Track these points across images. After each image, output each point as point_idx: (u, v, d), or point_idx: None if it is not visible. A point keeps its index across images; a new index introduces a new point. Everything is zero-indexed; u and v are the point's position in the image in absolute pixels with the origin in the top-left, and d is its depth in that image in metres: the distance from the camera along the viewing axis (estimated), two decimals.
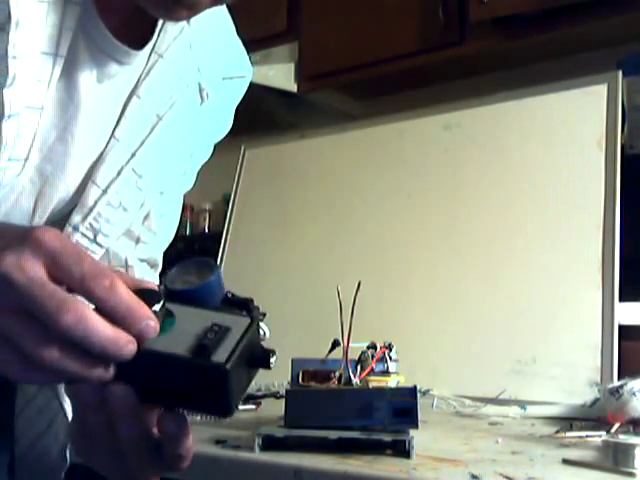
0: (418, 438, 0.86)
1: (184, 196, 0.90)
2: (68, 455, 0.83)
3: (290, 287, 1.78)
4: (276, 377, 1.43)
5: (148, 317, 0.44)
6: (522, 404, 1.25)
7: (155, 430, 0.49)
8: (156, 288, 0.47)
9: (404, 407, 0.87)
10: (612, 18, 1.56)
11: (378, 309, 1.57)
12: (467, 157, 1.64)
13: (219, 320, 0.47)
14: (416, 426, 0.87)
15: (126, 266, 0.81)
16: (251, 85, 0.90)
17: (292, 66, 2.00)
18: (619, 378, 1.21)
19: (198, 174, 0.89)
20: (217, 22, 0.80)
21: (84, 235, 0.73)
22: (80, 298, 0.43)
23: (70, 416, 0.80)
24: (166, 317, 0.47)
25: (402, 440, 0.85)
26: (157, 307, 0.46)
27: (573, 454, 0.87)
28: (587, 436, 0.97)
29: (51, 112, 0.66)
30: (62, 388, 0.81)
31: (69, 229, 0.72)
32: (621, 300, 1.33)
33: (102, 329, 0.42)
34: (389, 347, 1.04)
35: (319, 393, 0.94)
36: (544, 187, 1.51)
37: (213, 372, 0.45)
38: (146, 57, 0.72)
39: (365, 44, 1.84)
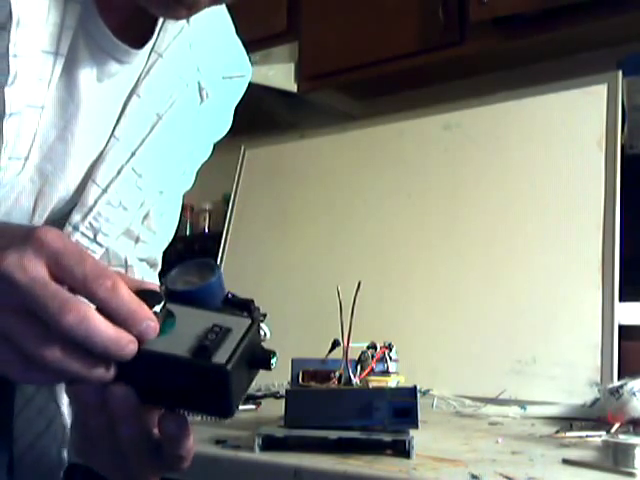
0: (418, 438, 0.86)
1: (184, 196, 0.90)
2: (66, 456, 0.83)
3: (290, 287, 1.78)
4: (276, 377, 1.43)
5: (149, 318, 0.44)
6: (522, 404, 1.25)
7: (156, 431, 0.49)
8: (157, 289, 0.47)
9: (404, 407, 0.87)
10: (612, 18, 1.56)
11: (378, 309, 1.57)
12: (467, 157, 1.64)
13: (220, 321, 0.47)
14: (416, 426, 0.87)
15: (126, 265, 0.81)
16: (251, 85, 0.90)
17: (292, 66, 2.00)
18: (619, 378, 1.21)
19: (198, 174, 0.89)
20: (217, 22, 0.80)
21: (84, 234, 0.73)
22: (81, 298, 0.43)
23: (67, 418, 0.80)
24: (167, 318, 0.47)
25: (402, 440, 0.85)
26: (158, 308, 0.46)
27: (573, 454, 0.87)
28: (587, 436, 0.97)
29: (51, 111, 0.66)
30: (60, 390, 0.82)
31: (69, 228, 0.72)
32: (621, 300, 1.33)
33: (104, 329, 0.42)
34: (389, 347, 1.04)
35: (319, 393, 0.94)
36: (544, 187, 1.51)
37: (214, 373, 0.45)
38: (146, 56, 0.72)
39: (365, 44, 1.84)
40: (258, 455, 0.88)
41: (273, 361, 0.48)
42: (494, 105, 1.65)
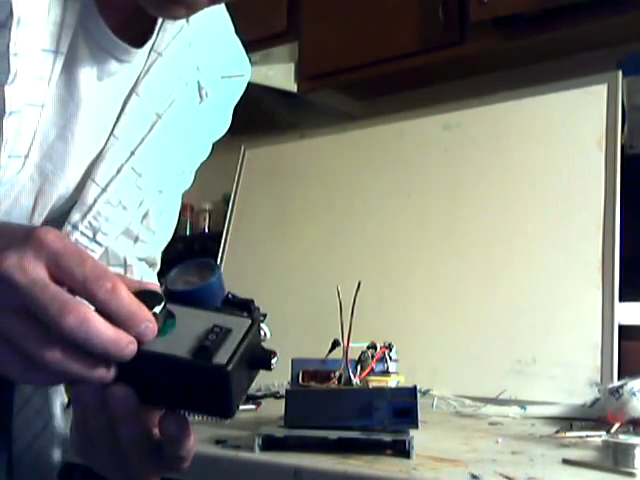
0: (418, 438, 0.86)
1: (184, 196, 0.90)
2: (60, 457, 0.83)
3: (290, 287, 1.78)
4: (276, 377, 1.43)
5: (148, 320, 0.44)
6: (522, 404, 1.25)
7: (156, 431, 0.49)
8: (158, 289, 0.47)
9: (404, 407, 0.87)
10: (612, 18, 1.56)
11: (378, 309, 1.57)
12: (467, 157, 1.64)
13: (220, 321, 0.47)
14: (416, 426, 0.87)
15: (125, 265, 0.81)
16: (251, 85, 0.90)
17: (292, 66, 2.00)
18: (619, 378, 1.21)
19: (197, 173, 0.89)
20: (216, 21, 0.80)
21: (83, 234, 0.73)
22: (80, 299, 0.43)
23: (60, 420, 0.81)
24: (167, 318, 0.47)
25: (402, 440, 0.85)
26: (158, 309, 0.46)
27: (573, 454, 0.87)
28: (587, 436, 0.97)
29: (51, 110, 0.66)
30: (53, 392, 0.82)
31: (68, 227, 0.72)
32: (621, 300, 1.33)
33: (104, 330, 0.42)
34: (389, 347, 1.04)
35: (319, 393, 0.94)
36: (544, 187, 1.51)
37: (214, 373, 0.45)
38: (146, 55, 0.72)
39: (365, 44, 1.84)
40: (258, 455, 0.88)
41: (273, 361, 0.48)
42: (494, 105, 1.65)
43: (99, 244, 0.75)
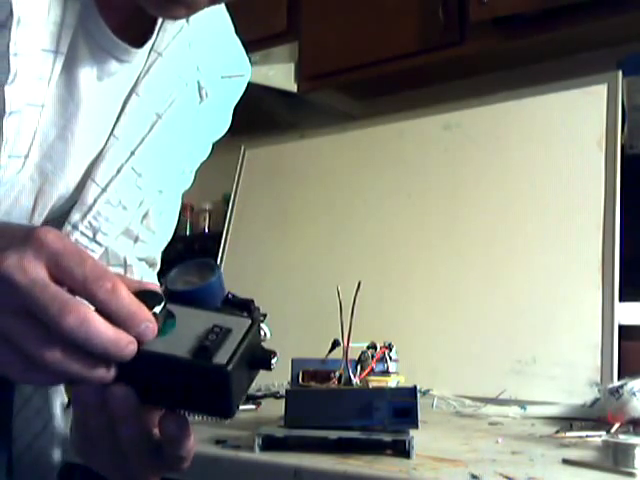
0: (418, 438, 0.86)
1: (184, 196, 0.90)
2: (60, 457, 0.83)
3: (290, 287, 1.78)
4: (276, 377, 1.43)
5: (147, 320, 0.44)
6: (522, 404, 1.25)
7: (156, 431, 0.49)
8: (157, 289, 0.47)
9: (404, 407, 0.87)
10: (612, 18, 1.56)
11: (378, 309, 1.57)
12: (467, 157, 1.64)
13: (220, 321, 0.47)
14: (416, 426, 0.87)
15: (125, 265, 0.81)
16: (251, 85, 0.90)
17: (292, 66, 2.00)
18: (619, 378, 1.21)
19: (197, 173, 0.89)
20: (216, 21, 0.80)
21: (83, 234, 0.73)
22: (80, 299, 0.43)
23: (60, 420, 0.81)
24: (167, 318, 0.47)
25: (402, 440, 0.85)
26: (158, 309, 0.46)
27: (573, 454, 0.87)
28: (587, 436, 0.97)
29: (51, 109, 0.66)
30: (53, 392, 0.82)
31: (68, 227, 0.72)
32: (621, 300, 1.33)
33: (104, 331, 0.42)
34: (389, 347, 1.04)
35: (319, 393, 0.94)
36: (544, 187, 1.51)
37: (214, 374, 0.45)
38: (146, 55, 0.72)
39: (365, 44, 1.84)
40: (258, 455, 0.88)
41: (273, 361, 0.48)
42: (494, 105, 1.65)
43: (99, 244, 0.75)
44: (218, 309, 0.50)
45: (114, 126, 0.72)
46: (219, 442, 0.95)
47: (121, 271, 0.80)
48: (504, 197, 1.56)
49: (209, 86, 0.79)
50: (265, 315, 0.52)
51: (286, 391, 0.95)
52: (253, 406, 1.30)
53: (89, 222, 0.73)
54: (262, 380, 1.48)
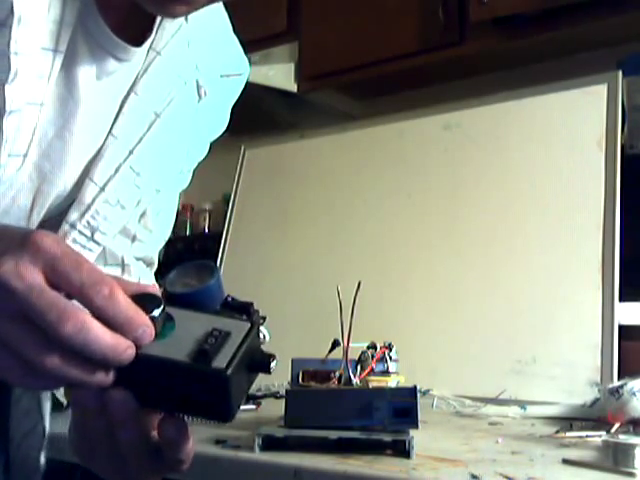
0: (418, 438, 0.86)
1: (184, 196, 0.90)
2: (44, 460, 0.83)
3: (290, 287, 1.78)
4: (276, 377, 1.42)
5: (145, 324, 0.44)
6: (522, 404, 1.24)
7: (155, 434, 0.49)
8: (157, 292, 0.47)
9: (404, 407, 0.87)
10: (612, 18, 1.56)
11: (378, 309, 1.57)
12: (467, 157, 1.64)
13: (219, 324, 0.47)
14: (416, 426, 0.87)
15: (122, 264, 0.81)
16: (251, 85, 0.90)
17: (292, 66, 2.00)
18: (619, 378, 1.21)
19: (197, 173, 0.89)
20: (215, 20, 0.80)
21: (81, 233, 0.73)
22: (77, 303, 0.43)
23: (47, 423, 0.81)
24: (166, 321, 0.47)
25: (402, 440, 0.85)
26: (157, 312, 0.46)
27: (573, 454, 0.87)
28: (587, 436, 0.97)
29: (50, 108, 0.66)
30: (43, 396, 0.82)
31: (66, 226, 0.72)
32: (621, 300, 1.33)
33: (102, 336, 0.42)
34: (389, 347, 1.04)
35: (319, 393, 0.94)
36: (544, 187, 1.51)
37: (214, 378, 0.45)
38: (144, 54, 0.72)
39: (365, 44, 1.84)
40: (258, 455, 0.88)
41: (272, 365, 0.48)
42: (494, 105, 1.65)
43: (97, 243, 0.75)
44: (217, 312, 0.50)
45: (112, 125, 0.72)
46: (219, 442, 0.95)
47: (119, 270, 0.80)
48: (504, 197, 1.55)
49: (208, 85, 0.79)
50: (264, 318, 0.51)
51: (286, 391, 0.95)
52: (253, 406, 1.30)
53: (87, 221, 0.73)
54: (262, 380, 1.48)
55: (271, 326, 0.67)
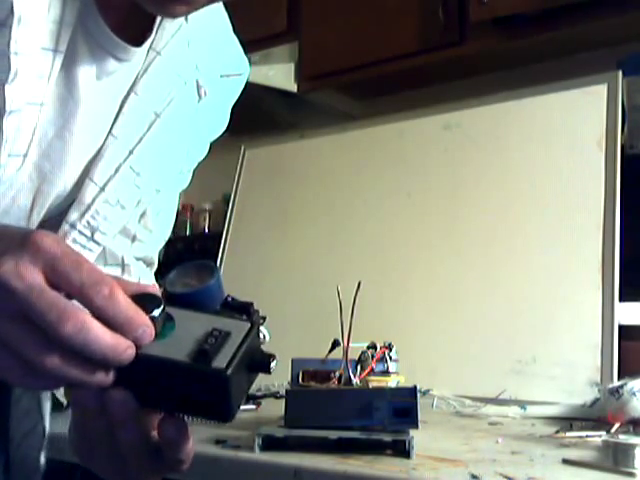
0: (418, 438, 0.86)
1: (184, 196, 0.90)
2: (44, 460, 0.83)
3: (290, 287, 1.78)
4: (276, 377, 1.42)
5: (145, 324, 0.44)
6: (522, 404, 1.25)
7: (155, 434, 0.49)
8: (157, 292, 0.47)
9: (404, 407, 0.87)
10: (612, 18, 1.56)
11: (378, 309, 1.57)
12: (467, 157, 1.64)
13: (219, 325, 0.47)
14: (416, 426, 0.87)
15: (122, 264, 0.81)
16: (251, 85, 0.89)
17: (292, 66, 2.00)
18: (619, 378, 1.21)
19: (197, 173, 0.89)
20: (215, 20, 0.80)
21: (81, 233, 0.73)
22: (76, 303, 0.43)
23: (47, 422, 0.81)
24: (166, 321, 0.47)
25: (402, 440, 0.85)
26: (157, 312, 0.46)
27: (573, 454, 0.87)
28: (587, 436, 0.97)
29: (50, 108, 0.66)
30: (44, 396, 0.82)
31: (66, 226, 0.72)
32: (621, 300, 1.33)
33: (102, 336, 0.42)
34: (389, 347, 1.04)
35: (319, 393, 0.94)
36: (544, 187, 1.51)
37: (214, 378, 0.45)
38: (144, 54, 0.72)
39: (365, 44, 1.84)
40: (258, 455, 0.88)
41: (273, 365, 0.48)
42: (494, 105, 1.65)
43: (97, 243, 0.75)
44: (217, 312, 0.50)
45: (112, 125, 0.72)
46: (219, 442, 0.95)
47: (119, 270, 0.80)
48: (504, 197, 1.55)
49: (208, 85, 0.79)
50: (264, 318, 0.51)
51: (286, 391, 0.95)
52: (253, 406, 1.30)
53: (87, 221, 0.73)
54: (262, 380, 1.48)
55: (271, 326, 0.67)
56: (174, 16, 0.67)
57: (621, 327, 1.32)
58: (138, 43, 0.70)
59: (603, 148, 1.45)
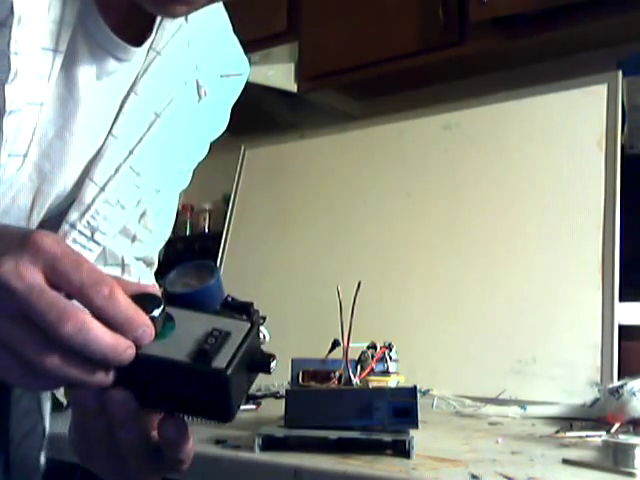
0: (418, 438, 0.86)
1: (184, 196, 0.90)
2: (44, 460, 0.83)
3: (290, 287, 1.78)
4: (276, 377, 1.42)
5: (145, 324, 0.44)
6: (522, 404, 1.25)
7: (154, 434, 0.49)
8: (156, 292, 0.47)
9: (404, 407, 0.87)
10: (612, 18, 1.56)
11: (378, 309, 1.57)
12: (467, 157, 1.64)
13: (219, 325, 0.47)
14: (416, 426, 0.87)
15: (122, 264, 0.81)
16: (251, 85, 0.89)
17: (292, 66, 2.00)
18: (619, 378, 1.21)
19: (195, 173, 0.89)
20: (215, 20, 0.80)
21: (81, 233, 0.73)
22: (76, 303, 0.43)
23: (47, 423, 0.81)
24: (166, 321, 0.47)
25: (402, 440, 0.85)
26: (157, 312, 0.46)
27: (573, 454, 0.87)
28: (587, 436, 0.97)
29: (50, 108, 0.66)
30: (44, 396, 0.82)
31: (66, 226, 0.72)
32: (621, 300, 1.33)
33: (102, 336, 0.42)
34: (389, 347, 1.04)
35: (319, 393, 0.94)
36: (544, 187, 1.51)
37: (213, 378, 0.45)
38: (144, 54, 0.72)
39: (365, 44, 1.84)
40: (258, 455, 0.88)
41: (272, 365, 0.48)
42: (494, 105, 1.65)
43: (97, 243, 0.75)
44: (217, 312, 0.50)
45: (112, 125, 0.72)
46: (219, 442, 0.95)
47: (119, 271, 0.80)
48: (504, 197, 1.55)
49: (208, 85, 0.79)
50: (264, 318, 0.51)
51: (286, 391, 0.95)
52: (253, 406, 1.30)
53: (87, 221, 0.73)
54: (262, 380, 1.48)
55: (271, 326, 0.67)
56: (174, 16, 0.67)
57: (621, 327, 1.32)
58: (138, 43, 0.70)
59: (603, 148, 1.45)
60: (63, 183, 0.70)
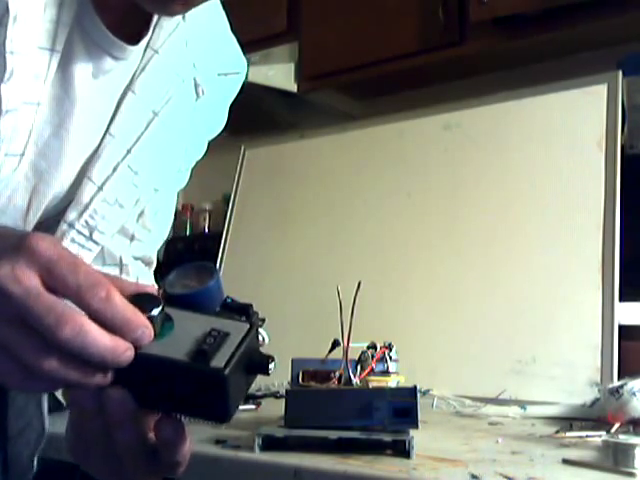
0: (418, 438, 0.86)
1: (184, 196, 0.90)
2: (36, 461, 0.83)
3: (290, 287, 1.78)
4: (276, 377, 1.43)
5: (143, 325, 0.44)
6: (522, 404, 1.24)
7: (151, 435, 0.49)
8: (155, 292, 0.47)
9: (404, 407, 0.87)
10: (612, 18, 1.56)
11: (378, 309, 1.57)
12: (467, 157, 1.64)
13: (218, 325, 0.47)
14: (416, 426, 0.87)
15: (121, 264, 0.81)
16: (251, 85, 0.90)
17: (292, 66, 2.00)
18: (619, 378, 1.20)
19: (195, 173, 0.89)
20: (212, 19, 0.80)
21: (80, 232, 0.73)
22: (74, 305, 0.43)
23: (47, 424, 0.81)
24: (165, 322, 0.47)
25: (402, 440, 0.85)
26: (156, 312, 0.45)
27: (573, 454, 0.87)
28: (587, 436, 0.97)
29: (47, 108, 0.66)
30: (43, 396, 0.82)
31: (64, 226, 0.72)
32: (621, 300, 1.33)
33: (100, 339, 0.42)
34: (389, 347, 1.04)
35: (319, 393, 0.94)
36: (544, 187, 1.51)
37: (211, 377, 0.45)
38: (141, 53, 0.72)
39: (365, 44, 1.84)
40: (258, 455, 0.88)
41: (271, 366, 0.48)
42: (494, 105, 1.65)
43: (96, 243, 0.74)
44: (216, 313, 0.50)
45: (110, 124, 0.72)
46: (219, 442, 0.95)
47: (117, 270, 0.80)
48: (504, 197, 1.55)
49: (205, 83, 0.79)
50: (264, 320, 0.51)
51: (286, 391, 0.95)
52: (253, 406, 1.30)
53: (85, 221, 0.72)
54: (262, 380, 1.48)
55: (271, 326, 0.67)
56: (171, 14, 0.67)
57: (621, 327, 1.32)
58: (135, 42, 0.70)
59: (603, 148, 1.45)
60: (60, 183, 0.70)
